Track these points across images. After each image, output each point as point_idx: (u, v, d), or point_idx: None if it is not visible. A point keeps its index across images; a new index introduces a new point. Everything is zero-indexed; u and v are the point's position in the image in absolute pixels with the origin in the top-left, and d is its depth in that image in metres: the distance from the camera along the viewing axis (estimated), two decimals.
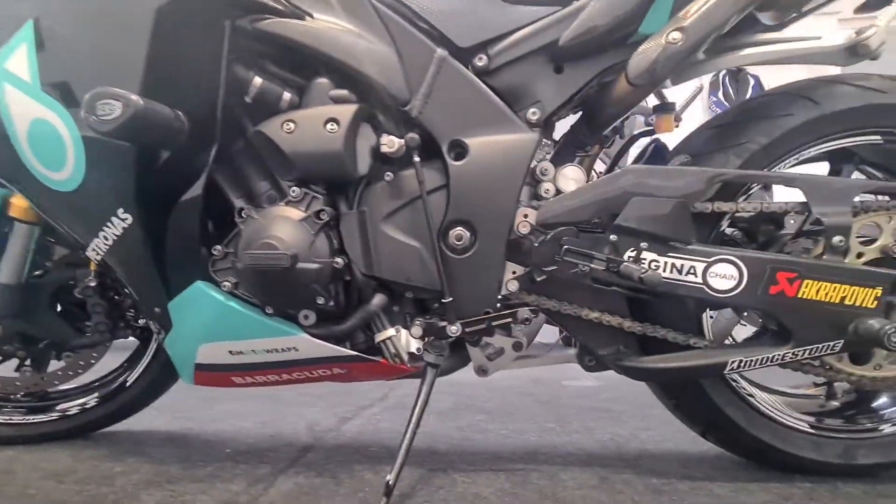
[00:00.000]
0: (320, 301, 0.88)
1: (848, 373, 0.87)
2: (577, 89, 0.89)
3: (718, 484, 0.90)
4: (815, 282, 0.81)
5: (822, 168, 0.96)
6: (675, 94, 1.30)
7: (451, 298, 0.86)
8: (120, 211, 0.87)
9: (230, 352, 0.91)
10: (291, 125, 0.85)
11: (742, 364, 0.84)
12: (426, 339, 0.91)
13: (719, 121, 0.95)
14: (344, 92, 0.87)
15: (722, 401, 0.91)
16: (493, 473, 0.97)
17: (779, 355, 0.84)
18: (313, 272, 0.85)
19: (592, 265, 0.84)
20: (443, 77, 0.87)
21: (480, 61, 0.89)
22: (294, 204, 0.88)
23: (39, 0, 0.86)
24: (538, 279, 0.88)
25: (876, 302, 0.81)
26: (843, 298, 0.81)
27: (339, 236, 0.89)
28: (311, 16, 0.88)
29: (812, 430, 0.92)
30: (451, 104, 0.87)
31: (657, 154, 1.04)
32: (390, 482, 0.82)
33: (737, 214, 0.87)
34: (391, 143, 0.86)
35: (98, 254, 0.91)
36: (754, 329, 0.99)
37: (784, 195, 0.89)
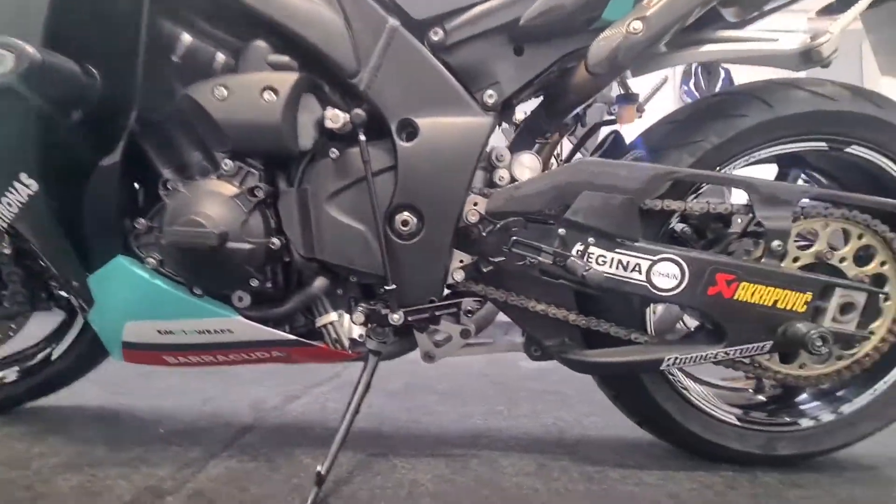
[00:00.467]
0: (254, 283, 0.83)
1: (775, 371, 0.90)
2: (537, 73, 0.86)
3: (648, 472, 0.93)
4: (752, 285, 0.83)
5: (771, 171, 0.98)
6: (641, 84, 1.28)
7: (394, 286, 0.84)
8: (23, 176, 0.79)
9: (159, 331, 0.86)
10: (224, 91, 0.78)
11: (678, 361, 0.86)
12: (369, 325, 0.89)
13: (676, 116, 0.94)
14: (284, 58, 0.80)
15: (660, 395, 0.93)
16: (434, 459, 0.97)
17: (713, 353, 0.86)
18: (245, 252, 0.80)
19: (540, 258, 0.82)
20: (394, 49, 0.82)
21: (436, 35, 0.84)
22: (227, 178, 0.82)
23: None
24: (485, 270, 0.86)
25: (805, 306, 0.84)
26: (775, 302, 0.84)
27: (277, 215, 0.84)
28: None
29: (738, 423, 0.96)
30: (401, 80, 0.82)
31: (615, 146, 1.03)
32: (322, 472, 0.80)
33: (685, 212, 0.87)
34: (336, 118, 0.80)
35: (3, 220, 0.83)
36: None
37: (737, 195, 0.90)
